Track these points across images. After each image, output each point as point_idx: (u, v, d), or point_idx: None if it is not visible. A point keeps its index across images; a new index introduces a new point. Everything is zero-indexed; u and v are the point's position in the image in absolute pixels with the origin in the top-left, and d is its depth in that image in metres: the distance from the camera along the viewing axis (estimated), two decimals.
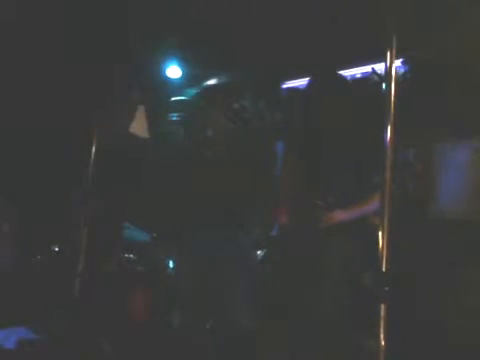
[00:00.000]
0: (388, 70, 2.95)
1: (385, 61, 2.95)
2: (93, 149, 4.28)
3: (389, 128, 2.86)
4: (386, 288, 2.71)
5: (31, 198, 4.84)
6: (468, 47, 4.30)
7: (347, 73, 5.04)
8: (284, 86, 6.04)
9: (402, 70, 4.71)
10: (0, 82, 4.74)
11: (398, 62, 4.55)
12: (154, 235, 5.69)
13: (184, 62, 6.18)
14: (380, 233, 2.75)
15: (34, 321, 4.55)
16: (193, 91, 6.21)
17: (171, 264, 5.36)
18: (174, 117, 5.96)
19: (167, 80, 6.32)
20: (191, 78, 6.28)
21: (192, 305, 4.19)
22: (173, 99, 6.20)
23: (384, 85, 2.95)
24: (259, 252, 4.89)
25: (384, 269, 2.73)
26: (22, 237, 4.91)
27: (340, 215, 3.48)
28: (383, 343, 2.71)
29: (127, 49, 5.48)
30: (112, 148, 4.54)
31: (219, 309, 4.14)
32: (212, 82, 5.15)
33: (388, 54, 2.94)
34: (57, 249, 5.12)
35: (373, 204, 3.02)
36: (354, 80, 5.08)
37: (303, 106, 3.85)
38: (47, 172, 4.77)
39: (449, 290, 3.93)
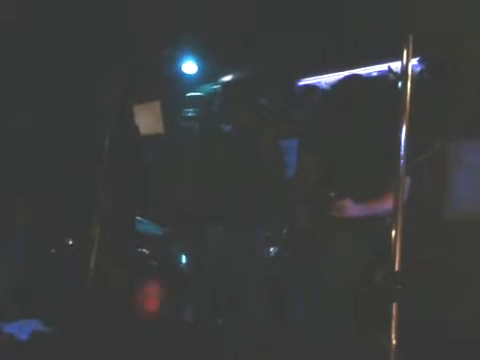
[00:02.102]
0: (404, 69, 2.94)
1: (401, 59, 2.94)
2: (107, 144, 4.28)
3: (404, 127, 2.85)
4: (398, 287, 2.70)
5: (46, 191, 4.86)
6: None
7: (363, 71, 5.04)
8: (301, 83, 6.03)
9: (418, 69, 4.69)
10: (17, 81, 4.77)
11: (414, 61, 4.54)
12: (167, 230, 5.71)
13: (200, 58, 6.18)
14: (393, 232, 2.74)
15: (47, 314, 4.58)
16: (209, 87, 6.22)
17: (184, 259, 5.38)
18: (190, 113, 5.98)
19: (183, 76, 6.32)
20: (207, 74, 6.29)
21: (205, 300, 4.21)
22: (189, 95, 6.22)
23: (400, 84, 2.94)
24: (272, 249, 4.89)
25: (396, 268, 2.73)
26: (37, 230, 4.94)
27: (351, 207, 3.46)
28: (394, 342, 2.71)
29: (134, 48, 5.49)
30: (127, 143, 4.55)
31: (232, 305, 4.15)
32: (232, 78, 5.15)
33: (404, 52, 2.93)
34: (71, 242, 5.15)
35: (388, 204, 3.00)
36: (370, 78, 5.07)
37: (329, 105, 3.85)
38: (62, 167, 4.79)
39: (461, 291, 3.92)
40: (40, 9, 5.02)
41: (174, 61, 6.24)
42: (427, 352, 3.65)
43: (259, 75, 4.92)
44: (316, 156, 3.70)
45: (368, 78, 4.09)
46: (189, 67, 6.29)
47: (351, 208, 3.46)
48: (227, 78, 4.68)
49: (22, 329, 4.31)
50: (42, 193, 4.82)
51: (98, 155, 4.27)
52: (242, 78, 4.60)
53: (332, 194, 3.48)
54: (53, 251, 5.19)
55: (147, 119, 5.37)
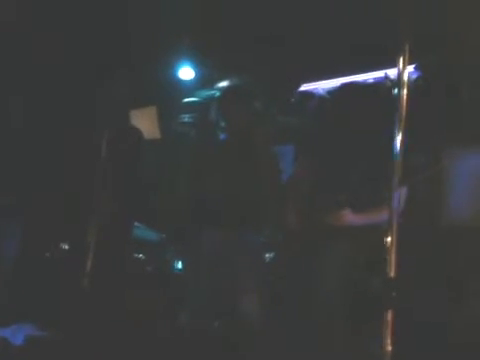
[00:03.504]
0: (400, 75, 2.95)
1: (397, 66, 2.95)
2: (104, 148, 4.28)
3: (400, 133, 2.86)
4: (393, 293, 2.70)
5: (42, 195, 4.85)
6: None
7: (360, 78, 5.05)
8: (298, 90, 6.04)
9: (415, 76, 4.71)
10: (13, 83, 4.77)
11: (411, 68, 4.55)
12: (163, 235, 5.71)
13: (197, 64, 6.18)
14: (388, 238, 2.75)
15: (42, 318, 4.57)
16: (206, 92, 6.23)
17: (179, 265, 5.37)
18: (186, 118, 5.98)
19: (180, 81, 6.32)
20: (204, 80, 6.29)
21: (201, 305, 4.21)
22: (185, 100, 6.22)
23: (396, 90, 2.95)
24: (268, 254, 4.90)
25: (392, 274, 2.73)
26: (32, 234, 4.93)
27: (349, 216, 3.47)
28: (389, 348, 2.71)
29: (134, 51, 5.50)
30: (123, 147, 4.55)
31: (229, 309, 4.16)
32: (230, 83, 5.16)
33: (400, 60, 2.94)
34: (67, 247, 5.14)
35: (385, 214, 3.00)
36: (367, 85, 5.08)
37: (325, 110, 3.86)
38: (58, 171, 4.79)
39: (458, 296, 3.93)
40: (39, 11, 5.03)
41: (171, 66, 6.25)
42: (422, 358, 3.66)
43: (255, 81, 4.93)
44: (312, 162, 3.71)
45: (365, 85, 4.09)
46: (186, 72, 6.29)
47: (351, 218, 3.47)
48: (223, 84, 4.69)
49: (16, 333, 4.29)
50: (38, 196, 4.81)
51: (96, 159, 4.28)
52: (238, 84, 4.61)
53: (331, 201, 3.49)
54: (48, 255, 5.18)
55: (143, 124, 5.36)
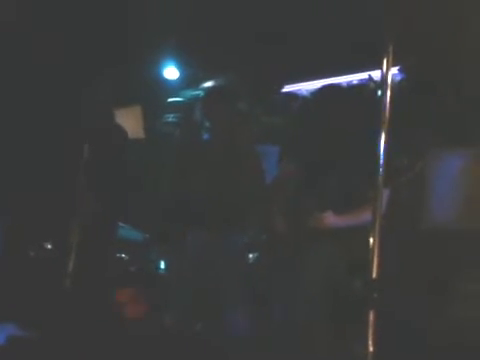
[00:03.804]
0: (384, 77, 2.95)
1: (381, 68, 2.96)
2: (87, 148, 4.27)
3: (383, 135, 2.86)
4: (375, 294, 2.71)
5: (25, 195, 4.83)
6: (464, 55, 4.31)
7: (344, 79, 5.07)
8: (282, 91, 6.05)
9: (398, 78, 4.73)
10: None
11: (395, 69, 4.57)
12: (147, 235, 5.69)
13: (182, 63, 6.17)
14: (371, 239, 2.75)
15: (24, 318, 4.54)
16: (191, 92, 6.22)
17: (162, 265, 5.36)
18: (170, 118, 5.97)
19: (164, 81, 6.31)
20: (189, 80, 6.28)
21: (185, 306, 4.20)
22: (170, 100, 6.21)
23: (380, 92, 2.96)
24: (251, 255, 4.90)
25: (374, 275, 2.74)
26: (15, 233, 4.90)
27: (330, 218, 3.47)
28: (371, 349, 2.72)
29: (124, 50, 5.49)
30: (107, 147, 4.53)
31: (212, 310, 4.15)
32: (212, 84, 5.15)
33: (384, 61, 2.94)
34: (49, 246, 5.11)
35: (366, 215, 3.01)
36: (352, 87, 5.10)
37: (308, 112, 3.85)
38: (42, 170, 4.76)
39: (440, 298, 3.94)
40: (23, 9, 5.01)
41: (156, 66, 6.24)
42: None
43: (239, 82, 4.92)
44: (295, 163, 3.71)
45: (347, 87, 4.10)
46: (171, 72, 6.28)
47: (332, 220, 3.47)
48: (208, 84, 4.68)
49: None
50: (21, 195, 4.78)
51: (80, 158, 4.26)
52: (222, 84, 4.60)
53: (313, 204, 3.49)
54: (31, 254, 5.16)
55: (128, 123, 5.35)
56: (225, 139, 4.28)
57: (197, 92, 5.67)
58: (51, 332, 4.12)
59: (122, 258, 5.39)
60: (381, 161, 2.85)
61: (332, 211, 3.47)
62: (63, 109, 4.82)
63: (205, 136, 4.45)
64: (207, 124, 4.40)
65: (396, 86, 4.56)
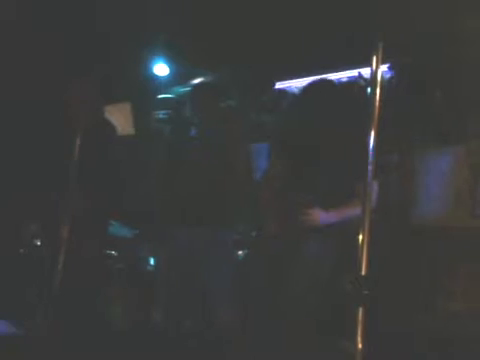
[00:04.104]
0: (374, 75, 2.96)
1: (371, 66, 2.96)
2: (77, 144, 4.26)
3: (373, 133, 2.87)
4: (365, 291, 2.72)
5: (14, 191, 4.82)
6: (454, 54, 4.33)
7: (334, 77, 5.07)
8: (273, 88, 6.05)
9: (388, 75, 4.74)
10: None
11: (384, 67, 4.58)
12: (136, 232, 5.69)
13: (172, 60, 6.16)
14: (360, 236, 2.76)
15: (13, 316, 4.54)
16: (181, 89, 6.22)
17: (151, 261, 5.36)
18: (160, 115, 5.96)
19: (154, 78, 6.30)
20: (179, 76, 6.28)
21: (173, 303, 4.20)
22: (160, 97, 6.21)
23: (369, 90, 2.96)
24: (241, 252, 4.91)
25: (363, 272, 2.74)
26: (4, 231, 4.89)
27: (319, 215, 3.47)
28: (360, 346, 2.72)
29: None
30: (97, 144, 4.52)
31: (201, 307, 4.16)
32: (201, 81, 5.16)
33: (374, 59, 2.95)
34: (39, 243, 5.11)
35: (357, 210, 3.02)
36: (340, 84, 5.11)
37: (296, 109, 3.85)
38: (31, 167, 4.75)
39: (428, 295, 3.97)
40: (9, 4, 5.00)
41: (146, 63, 6.23)
42: (393, 356, 3.69)
43: (229, 78, 4.93)
44: (284, 160, 3.71)
45: (335, 83, 4.09)
46: (161, 69, 6.27)
47: (320, 216, 3.47)
48: (197, 80, 4.69)
49: None
50: (10, 193, 4.77)
51: (69, 155, 4.25)
52: (210, 80, 4.60)
53: (302, 201, 3.49)
54: (21, 251, 5.15)
55: (117, 120, 5.34)
56: (214, 135, 4.28)
57: (187, 89, 5.67)
58: (41, 329, 4.11)
59: (111, 255, 5.38)
60: (371, 158, 2.86)
61: (321, 207, 3.47)
62: (52, 105, 4.80)
63: (194, 132, 4.45)
64: (196, 120, 4.40)
65: (386, 84, 4.58)
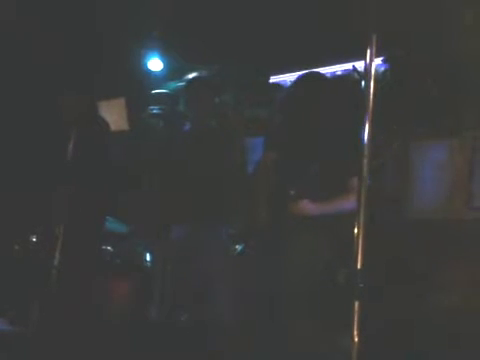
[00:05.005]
0: (368, 68, 2.95)
1: (365, 59, 2.95)
2: (73, 141, 4.26)
3: (367, 126, 2.86)
4: (361, 285, 2.71)
5: (10, 188, 4.82)
6: (448, 48, 4.33)
7: (328, 70, 5.07)
8: (267, 82, 6.04)
9: (382, 68, 4.73)
10: None
11: (379, 60, 4.58)
12: (132, 228, 5.68)
13: (166, 55, 6.15)
14: (355, 230, 2.75)
15: (10, 312, 4.54)
16: (175, 84, 6.21)
17: (148, 257, 5.36)
18: (154, 110, 5.95)
19: (148, 73, 6.29)
20: (173, 71, 6.27)
21: (170, 298, 4.20)
22: (154, 92, 6.19)
23: (363, 83, 2.95)
24: (238, 246, 4.90)
25: (359, 266, 2.74)
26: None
27: (310, 207, 3.46)
28: (357, 340, 2.72)
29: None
30: (91, 140, 4.52)
31: (199, 302, 4.16)
32: (195, 76, 5.14)
33: (368, 52, 2.94)
34: (35, 240, 5.10)
35: (348, 203, 3.01)
36: (335, 77, 5.10)
37: (289, 103, 3.83)
38: (27, 164, 4.75)
39: (423, 288, 3.97)
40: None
41: (140, 58, 6.21)
42: (390, 351, 3.69)
43: (223, 73, 4.92)
44: (276, 153, 3.70)
45: (327, 76, 4.09)
46: (155, 64, 6.26)
47: (310, 208, 3.46)
48: (191, 76, 4.67)
49: None
50: (5, 190, 4.77)
51: (63, 153, 4.25)
52: (204, 75, 4.59)
53: (291, 193, 3.48)
54: (16, 248, 5.14)
55: (112, 116, 5.33)
56: (207, 130, 4.28)
57: (182, 84, 5.66)
58: (37, 325, 4.12)
59: (107, 250, 5.38)
60: (365, 151, 2.85)
61: (313, 199, 3.46)
62: (45, 103, 4.80)
63: (188, 127, 4.45)
64: (191, 115, 4.40)
65: (380, 77, 4.58)
